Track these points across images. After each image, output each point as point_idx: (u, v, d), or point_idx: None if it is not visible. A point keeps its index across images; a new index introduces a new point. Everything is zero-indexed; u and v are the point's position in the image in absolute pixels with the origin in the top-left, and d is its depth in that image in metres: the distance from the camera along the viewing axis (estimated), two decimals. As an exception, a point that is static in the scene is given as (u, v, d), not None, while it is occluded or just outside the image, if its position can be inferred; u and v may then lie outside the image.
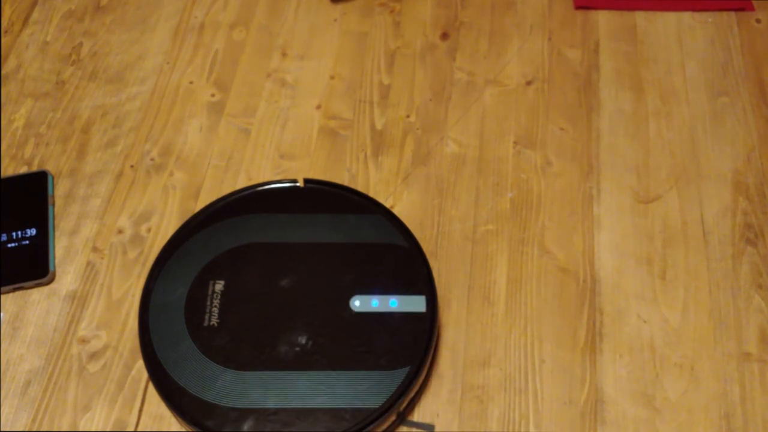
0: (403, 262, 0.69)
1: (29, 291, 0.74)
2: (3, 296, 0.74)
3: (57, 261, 0.76)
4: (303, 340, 0.65)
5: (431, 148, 0.82)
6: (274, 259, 0.70)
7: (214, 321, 0.66)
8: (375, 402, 0.62)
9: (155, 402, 0.68)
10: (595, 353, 0.69)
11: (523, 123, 0.84)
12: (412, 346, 0.65)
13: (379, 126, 0.84)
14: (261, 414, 0.62)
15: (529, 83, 0.87)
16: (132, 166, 0.82)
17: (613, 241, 0.75)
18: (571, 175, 0.80)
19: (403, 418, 0.66)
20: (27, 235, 0.76)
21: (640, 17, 0.92)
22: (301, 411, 0.62)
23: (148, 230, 0.78)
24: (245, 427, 0.61)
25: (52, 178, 0.81)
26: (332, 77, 0.89)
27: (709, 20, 0.92)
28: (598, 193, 0.78)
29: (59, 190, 0.81)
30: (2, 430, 0.67)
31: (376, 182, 0.80)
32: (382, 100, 0.86)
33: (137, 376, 0.69)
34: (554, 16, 0.93)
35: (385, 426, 0.64)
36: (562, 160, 0.81)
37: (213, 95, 0.88)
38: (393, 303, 0.67)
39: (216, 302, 0.67)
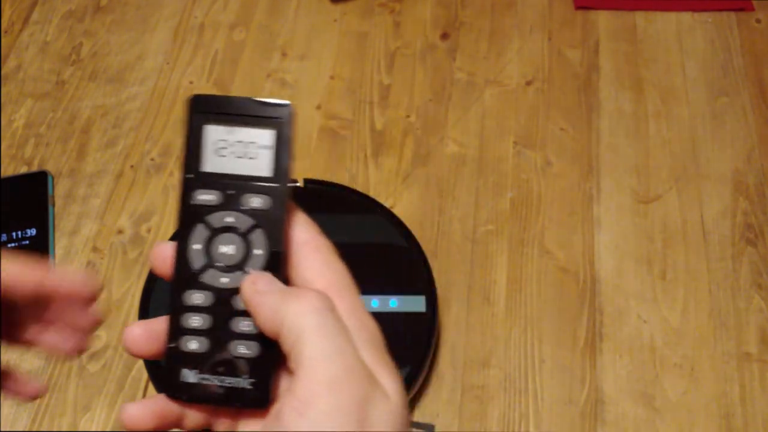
0: (403, 262, 0.69)
1: (29, 291, 0.74)
2: (3, 296, 0.74)
3: (57, 261, 0.76)
4: (303, 340, 0.65)
5: (431, 148, 0.82)
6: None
7: (214, 321, 0.66)
8: (375, 402, 0.62)
9: (155, 402, 0.67)
10: (595, 353, 0.69)
11: (523, 123, 0.84)
12: (412, 346, 0.65)
13: (379, 126, 0.84)
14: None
15: (529, 83, 0.87)
16: (132, 166, 0.82)
17: (613, 241, 0.75)
18: (571, 175, 0.80)
19: (403, 418, 0.66)
20: (27, 235, 0.76)
21: (640, 17, 0.92)
22: (301, 411, 0.62)
23: (148, 230, 0.78)
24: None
25: (52, 178, 0.81)
26: (332, 77, 0.89)
27: (709, 20, 0.92)
28: (598, 193, 0.78)
29: (59, 190, 0.81)
30: (2, 430, 0.67)
31: (376, 182, 0.80)
32: (382, 100, 0.86)
33: (137, 376, 0.69)
34: (554, 16, 0.93)
35: (385, 426, 0.64)
36: (562, 160, 0.81)
37: (213, 95, 0.88)
38: (393, 303, 0.67)
39: (216, 302, 0.67)
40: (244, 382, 0.29)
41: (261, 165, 0.30)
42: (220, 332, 0.29)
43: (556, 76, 0.87)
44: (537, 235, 0.76)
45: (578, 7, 0.93)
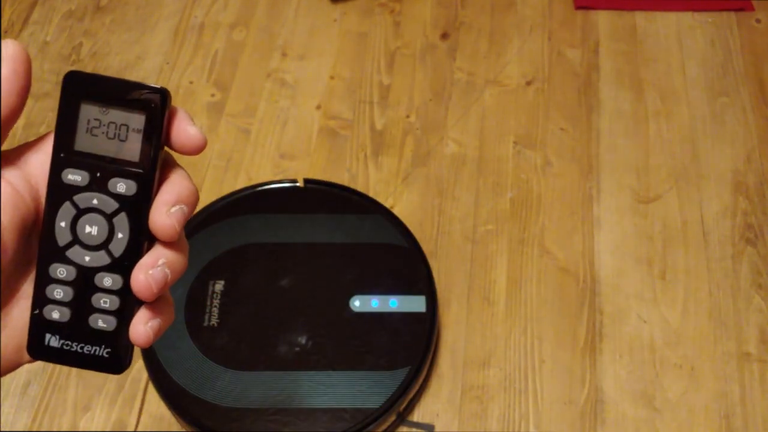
0: (403, 262, 0.69)
1: (29, 291, 0.74)
2: (3, 296, 0.74)
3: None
4: (303, 340, 0.65)
5: (431, 148, 0.82)
6: (274, 259, 0.70)
7: (214, 321, 0.66)
8: (375, 402, 0.62)
9: (155, 402, 0.68)
10: (595, 353, 0.69)
11: (523, 123, 0.84)
12: (412, 346, 0.65)
13: (379, 126, 0.84)
14: (261, 414, 0.62)
15: (529, 83, 0.87)
16: (132, 166, 0.82)
17: (612, 241, 0.75)
18: (571, 175, 0.80)
19: (403, 418, 0.66)
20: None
21: (640, 17, 0.92)
22: (301, 411, 0.62)
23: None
24: (245, 427, 0.61)
25: (52, 178, 0.81)
26: (332, 77, 0.89)
27: (709, 20, 0.92)
28: (598, 193, 0.78)
29: (59, 190, 0.80)
30: (2, 430, 0.67)
31: (376, 182, 0.80)
32: (382, 100, 0.86)
33: (137, 376, 0.69)
34: (554, 16, 0.93)
35: (385, 426, 0.64)
36: (562, 160, 0.81)
37: (213, 95, 0.88)
38: (393, 303, 0.67)
39: (216, 302, 0.67)
40: (102, 351, 0.33)
41: (131, 149, 0.31)
42: (81, 305, 0.31)
43: (556, 76, 0.87)
44: (537, 235, 0.76)
45: (578, 7, 0.93)
